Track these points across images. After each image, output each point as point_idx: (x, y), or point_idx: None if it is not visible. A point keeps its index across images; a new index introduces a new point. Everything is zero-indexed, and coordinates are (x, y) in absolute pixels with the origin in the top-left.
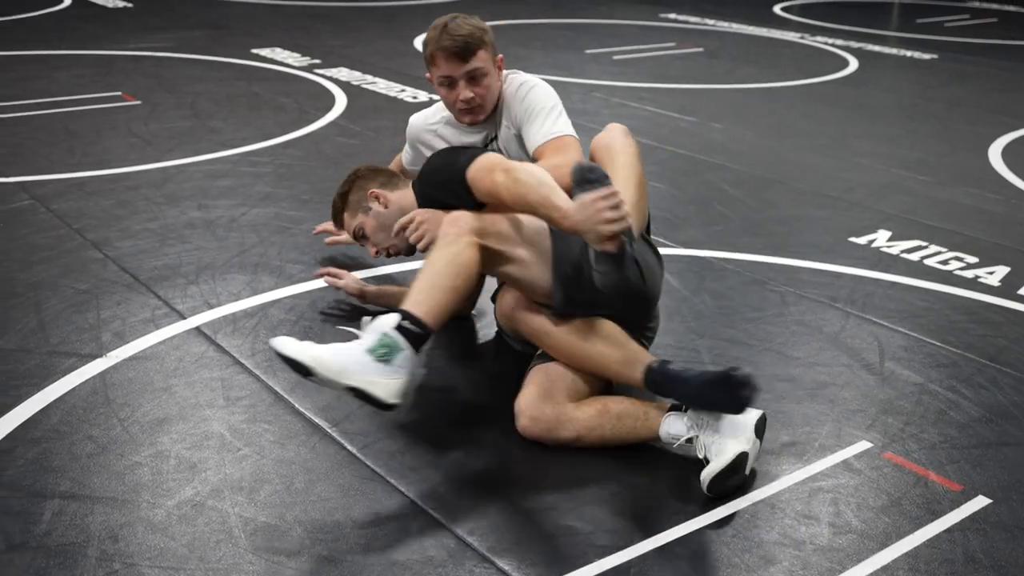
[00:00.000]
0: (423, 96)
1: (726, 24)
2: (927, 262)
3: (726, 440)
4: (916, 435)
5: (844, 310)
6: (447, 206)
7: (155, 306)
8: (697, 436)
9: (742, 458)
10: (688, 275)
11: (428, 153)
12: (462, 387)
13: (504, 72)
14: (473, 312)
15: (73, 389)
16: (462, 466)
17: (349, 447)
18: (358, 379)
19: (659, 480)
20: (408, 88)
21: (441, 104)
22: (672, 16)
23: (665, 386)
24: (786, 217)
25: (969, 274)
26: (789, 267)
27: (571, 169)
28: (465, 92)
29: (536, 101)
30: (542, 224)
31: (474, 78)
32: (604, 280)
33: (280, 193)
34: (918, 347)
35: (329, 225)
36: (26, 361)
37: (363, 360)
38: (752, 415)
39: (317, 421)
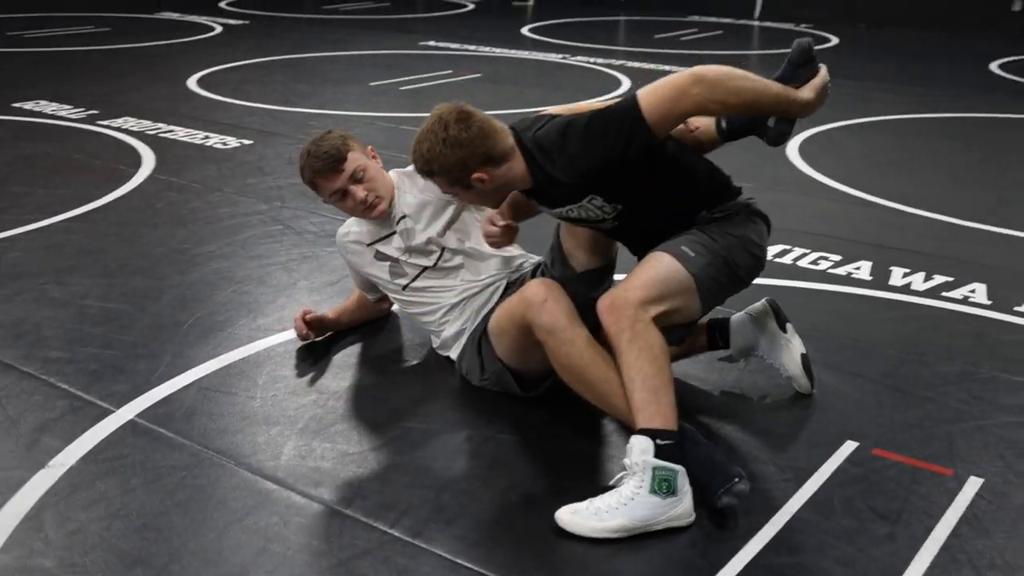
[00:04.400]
0: (232, 142)
1: (487, 48)
2: (800, 264)
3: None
4: (889, 426)
5: None
6: (609, 186)
7: (71, 401)
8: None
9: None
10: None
11: (362, 265)
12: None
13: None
14: None
15: (30, 512)
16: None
17: (377, 524)
18: (663, 522)
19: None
20: (212, 135)
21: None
22: (432, 44)
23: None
24: None
25: (841, 271)
26: None
27: (799, 43)
28: (358, 193)
29: None
30: (667, 261)
31: (358, 179)
32: (779, 137)
33: (137, 259)
34: (843, 347)
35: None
36: None
37: (654, 502)
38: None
39: (326, 498)
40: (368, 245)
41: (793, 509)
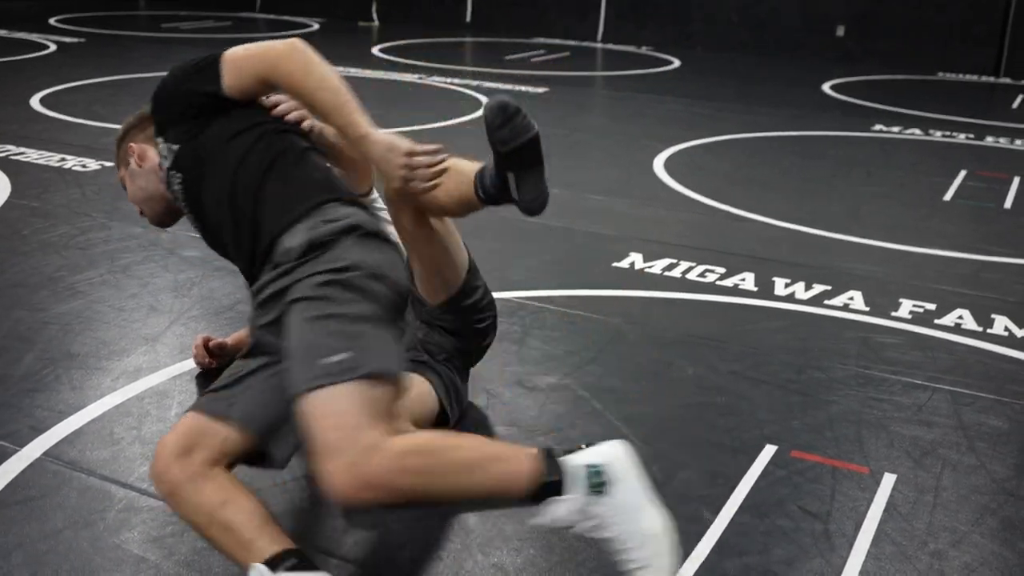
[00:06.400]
0: (92, 164)
1: (340, 68)
2: (688, 277)
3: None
4: (802, 429)
5: (659, 336)
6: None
7: None
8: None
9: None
10: (510, 319)
11: None
12: None
13: None
14: None
15: None
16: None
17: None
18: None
19: None
20: (68, 157)
21: None
22: None
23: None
24: (549, 252)
25: (728, 283)
26: (585, 298)
27: (490, 103)
28: None
29: None
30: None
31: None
32: (532, 204)
33: (13, 290)
34: (743, 355)
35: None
36: None
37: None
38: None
39: None
40: None
41: (730, 514)
